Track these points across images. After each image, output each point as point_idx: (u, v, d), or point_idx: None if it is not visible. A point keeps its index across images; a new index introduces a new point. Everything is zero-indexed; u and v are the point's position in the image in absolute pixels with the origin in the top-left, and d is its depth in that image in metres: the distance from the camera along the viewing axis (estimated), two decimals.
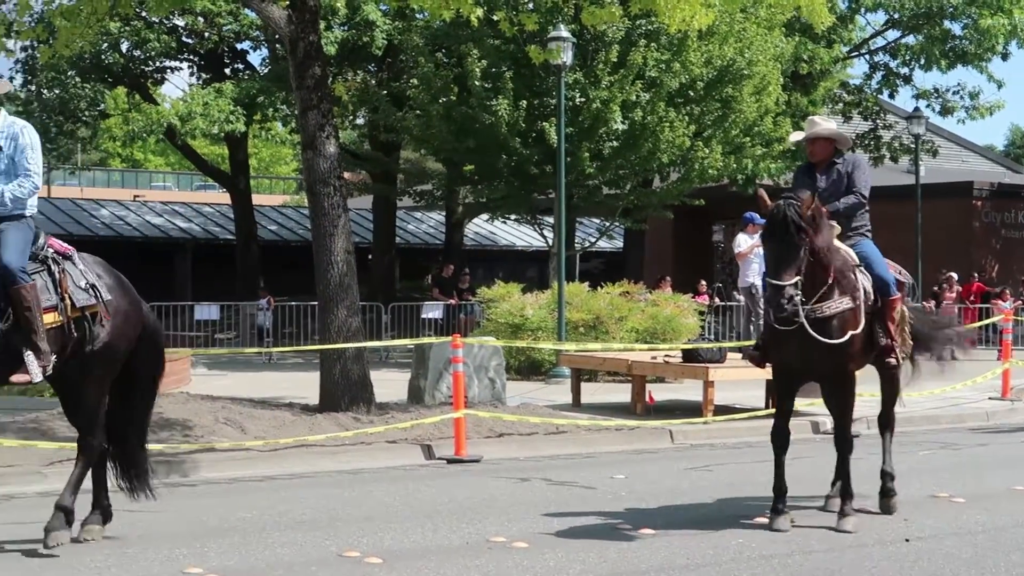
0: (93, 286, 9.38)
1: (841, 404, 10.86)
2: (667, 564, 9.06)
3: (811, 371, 10.69)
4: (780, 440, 10.71)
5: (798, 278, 9.87)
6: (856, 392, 11.02)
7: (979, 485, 12.60)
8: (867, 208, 11.12)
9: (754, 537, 9.97)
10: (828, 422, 15.40)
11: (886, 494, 11.20)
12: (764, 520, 10.51)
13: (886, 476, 11.27)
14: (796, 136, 11.68)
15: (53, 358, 9.14)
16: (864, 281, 10.65)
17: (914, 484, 12.20)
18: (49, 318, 9.13)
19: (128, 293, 9.73)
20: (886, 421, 11.66)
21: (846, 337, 10.21)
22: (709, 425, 16.46)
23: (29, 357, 9.04)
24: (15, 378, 9.21)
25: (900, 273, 11.38)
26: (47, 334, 9.09)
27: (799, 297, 9.90)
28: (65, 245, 9.60)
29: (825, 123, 11.23)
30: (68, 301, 9.24)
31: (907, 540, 9.90)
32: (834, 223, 10.60)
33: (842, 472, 10.73)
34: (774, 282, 9.89)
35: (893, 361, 11.00)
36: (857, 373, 11.06)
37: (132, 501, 10.06)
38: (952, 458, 14.87)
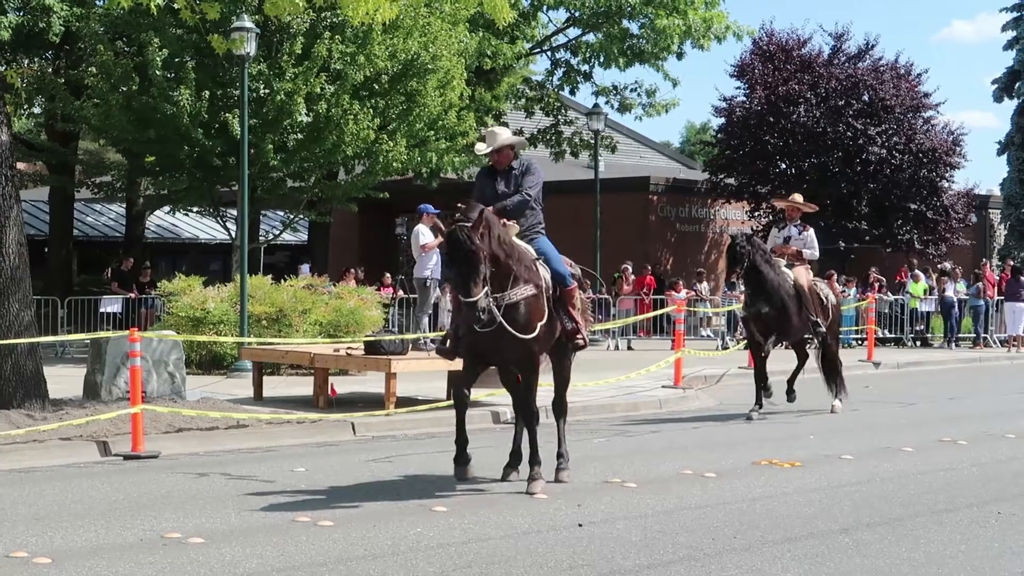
0: None
1: (528, 382, 11.80)
2: (346, 555, 9.06)
3: (502, 358, 11.70)
4: (460, 400, 11.66)
5: (486, 288, 10.81)
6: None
7: (650, 470, 13.00)
8: (537, 207, 11.99)
9: (432, 526, 10.06)
10: (508, 412, 15.81)
11: (560, 469, 12.10)
12: (443, 509, 10.67)
13: (560, 457, 12.17)
14: (481, 148, 12.13)
15: None
16: (544, 273, 11.66)
17: (588, 470, 12.60)
18: None
19: None
20: (560, 407, 12.43)
21: (536, 331, 11.27)
22: (391, 417, 16.56)
23: None
24: None
25: (572, 266, 12.35)
26: None
27: (491, 303, 10.91)
28: None
29: (504, 132, 12.12)
30: None
31: (580, 525, 10.13)
32: (510, 223, 11.55)
33: (531, 443, 11.67)
34: (467, 300, 10.79)
35: (581, 341, 12.09)
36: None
37: None
38: (625, 445, 15.30)
